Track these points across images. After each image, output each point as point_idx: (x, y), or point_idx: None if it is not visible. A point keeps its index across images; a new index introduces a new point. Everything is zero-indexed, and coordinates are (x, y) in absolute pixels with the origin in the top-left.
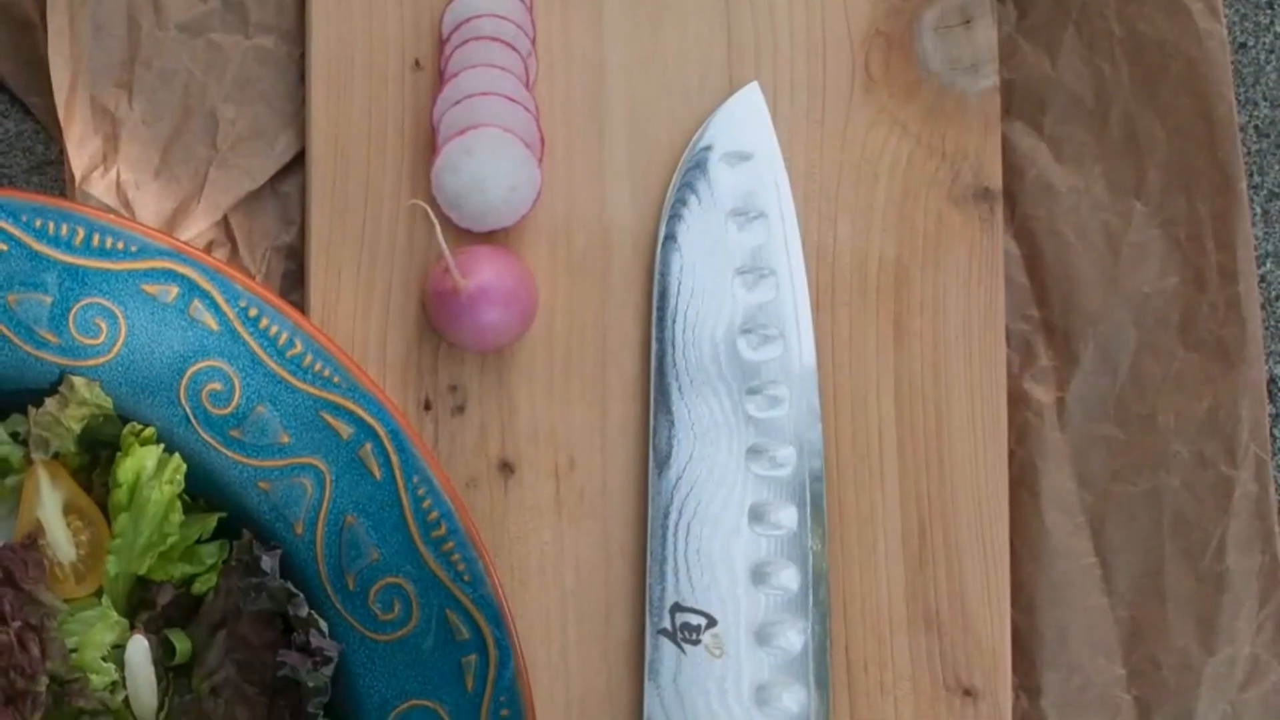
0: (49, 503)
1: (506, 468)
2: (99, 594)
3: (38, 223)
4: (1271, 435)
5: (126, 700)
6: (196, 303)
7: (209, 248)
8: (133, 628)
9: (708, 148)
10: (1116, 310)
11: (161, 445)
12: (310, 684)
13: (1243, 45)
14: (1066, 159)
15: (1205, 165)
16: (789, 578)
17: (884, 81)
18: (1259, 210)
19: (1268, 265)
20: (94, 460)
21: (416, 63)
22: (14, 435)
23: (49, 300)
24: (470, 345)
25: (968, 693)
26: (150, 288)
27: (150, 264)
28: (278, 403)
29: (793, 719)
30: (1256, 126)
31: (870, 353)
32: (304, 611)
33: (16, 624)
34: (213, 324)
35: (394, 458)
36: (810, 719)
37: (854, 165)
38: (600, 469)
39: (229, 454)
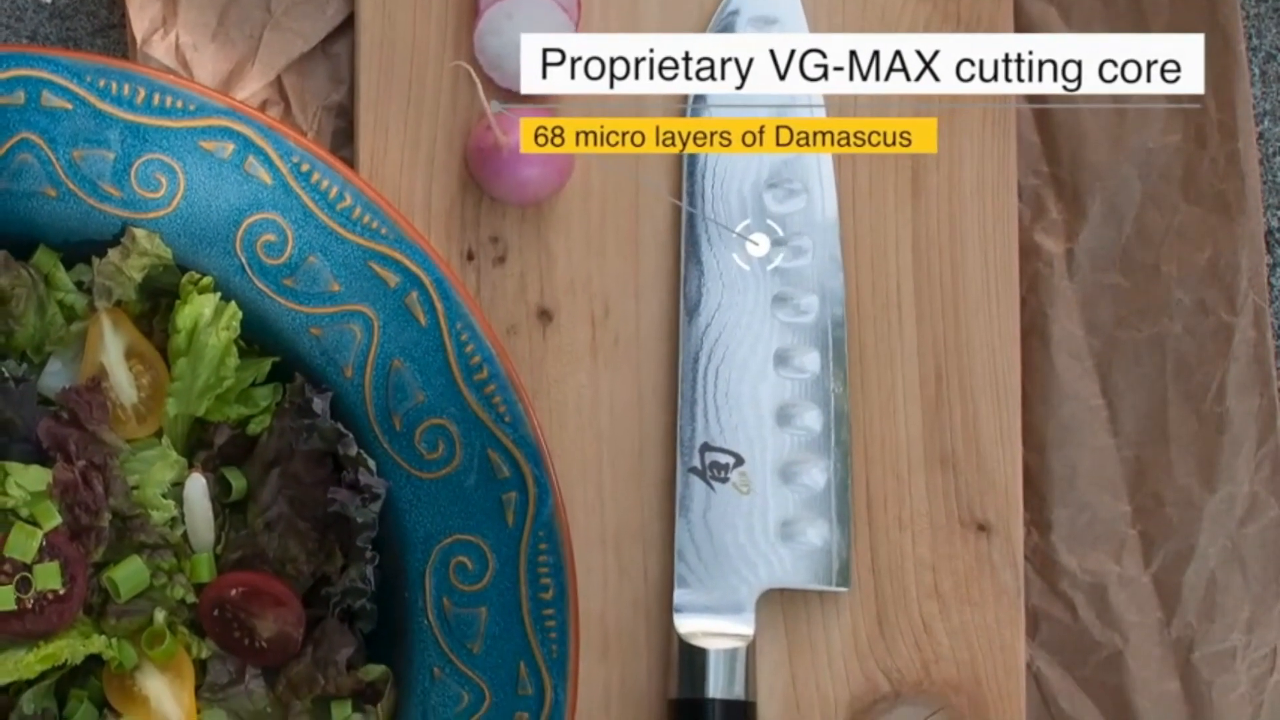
0: (112, 348)
1: (545, 315)
2: (159, 434)
3: (101, 83)
4: (1269, 284)
5: (185, 535)
6: (251, 159)
7: (263, 106)
8: (191, 466)
9: (735, 12)
10: (1122, 166)
11: (218, 293)
12: (359, 519)
13: None
14: (1075, 22)
15: (1206, 28)
16: (812, 419)
17: None
18: (1257, 71)
19: (1265, 123)
20: (154, 308)
21: None
22: (79, 284)
23: (112, 156)
24: (510, 199)
25: (981, 528)
26: (208, 144)
27: (208, 122)
28: (328, 253)
29: (815, 552)
30: None
31: (889, 206)
32: (353, 450)
33: (81, 463)
34: (267, 179)
35: (438, 305)
36: (832, 553)
37: (874, 30)
38: (634, 316)
39: (282, 302)
